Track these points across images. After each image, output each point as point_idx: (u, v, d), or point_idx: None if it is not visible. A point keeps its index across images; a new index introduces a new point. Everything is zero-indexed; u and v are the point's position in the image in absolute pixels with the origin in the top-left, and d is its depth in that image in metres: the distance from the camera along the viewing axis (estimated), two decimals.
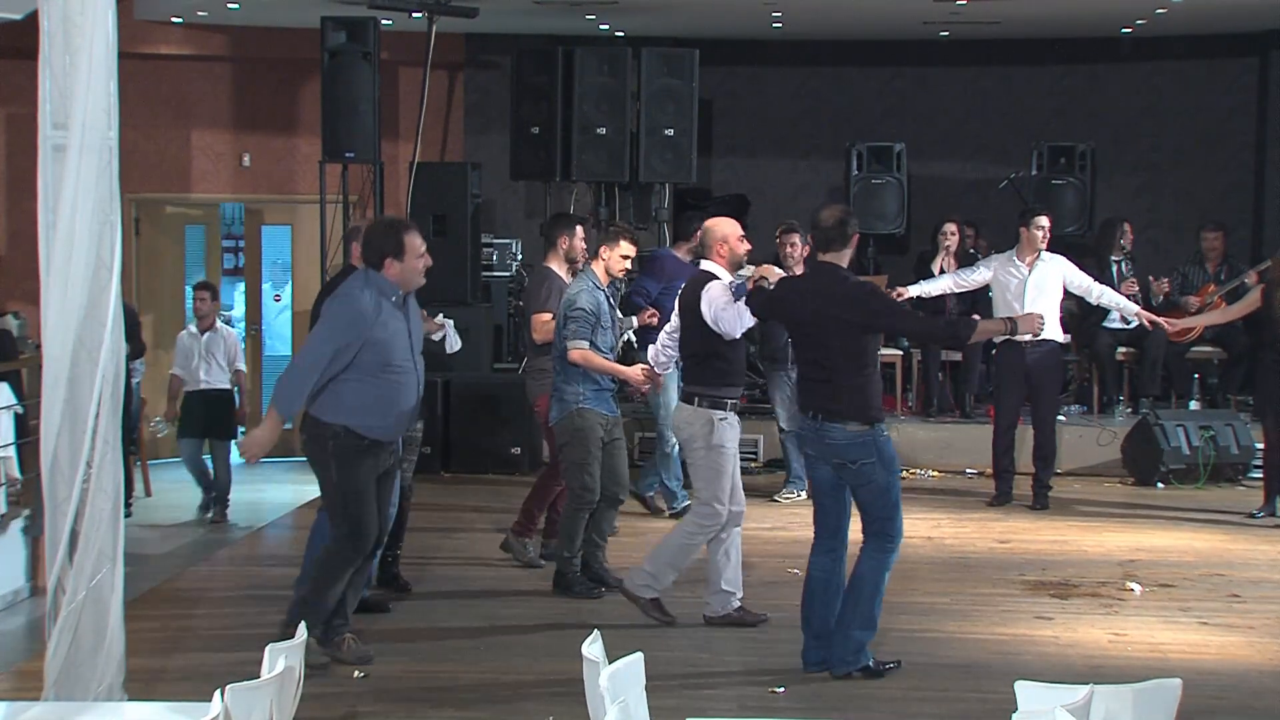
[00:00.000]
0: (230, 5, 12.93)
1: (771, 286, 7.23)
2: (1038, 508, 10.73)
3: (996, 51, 15.02)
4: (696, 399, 7.54)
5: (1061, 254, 10.79)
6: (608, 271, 8.23)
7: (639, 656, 4.51)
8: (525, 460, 12.19)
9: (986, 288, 10.89)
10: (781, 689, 6.74)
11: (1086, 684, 4.24)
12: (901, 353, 13.06)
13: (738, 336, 7.49)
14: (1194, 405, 12.52)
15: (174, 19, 13.89)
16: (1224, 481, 11.86)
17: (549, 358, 8.50)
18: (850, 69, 15.28)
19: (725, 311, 7.36)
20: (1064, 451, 11.91)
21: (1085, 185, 14.01)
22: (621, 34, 14.35)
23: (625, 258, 8.21)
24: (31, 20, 5.41)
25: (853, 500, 6.92)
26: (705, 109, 14.12)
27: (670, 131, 13.20)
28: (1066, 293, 10.72)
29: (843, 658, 6.82)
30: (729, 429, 7.53)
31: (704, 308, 7.42)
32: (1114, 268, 12.63)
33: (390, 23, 13.02)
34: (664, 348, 7.95)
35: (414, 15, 12.58)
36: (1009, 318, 7.44)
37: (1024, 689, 4.39)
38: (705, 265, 7.65)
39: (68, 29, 5.10)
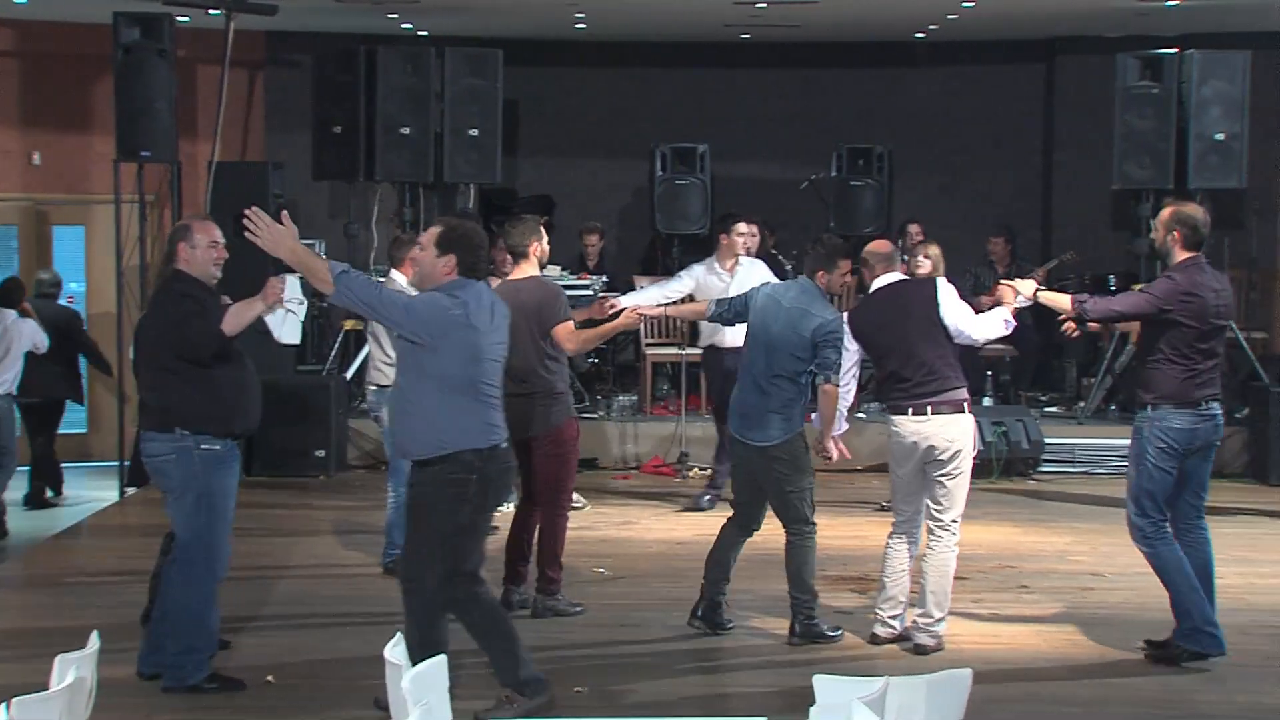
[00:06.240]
0: None
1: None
2: (695, 509, 10.79)
3: (798, 54, 15.28)
4: (966, 405, 7.47)
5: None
6: (829, 289, 7.70)
7: (442, 659, 4.51)
8: (330, 462, 12.08)
9: None
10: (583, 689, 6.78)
11: (882, 676, 4.34)
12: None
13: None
14: (988, 402, 12.88)
15: None
16: (1015, 476, 12.22)
17: (563, 376, 7.95)
18: (654, 70, 15.41)
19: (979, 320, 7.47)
20: (864, 448, 12.11)
21: (883, 186, 14.32)
22: (425, 33, 14.28)
23: (845, 274, 7.73)
24: None
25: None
26: (510, 109, 14.10)
27: (475, 132, 13.15)
28: None
29: None
30: None
31: (952, 314, 7.39)
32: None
33: (187, 19, 12.75)
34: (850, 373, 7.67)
35: (211, 12, 12.34)
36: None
37: (821, 682, 4.46)
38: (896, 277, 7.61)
39: None
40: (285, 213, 6.08)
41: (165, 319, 6.67)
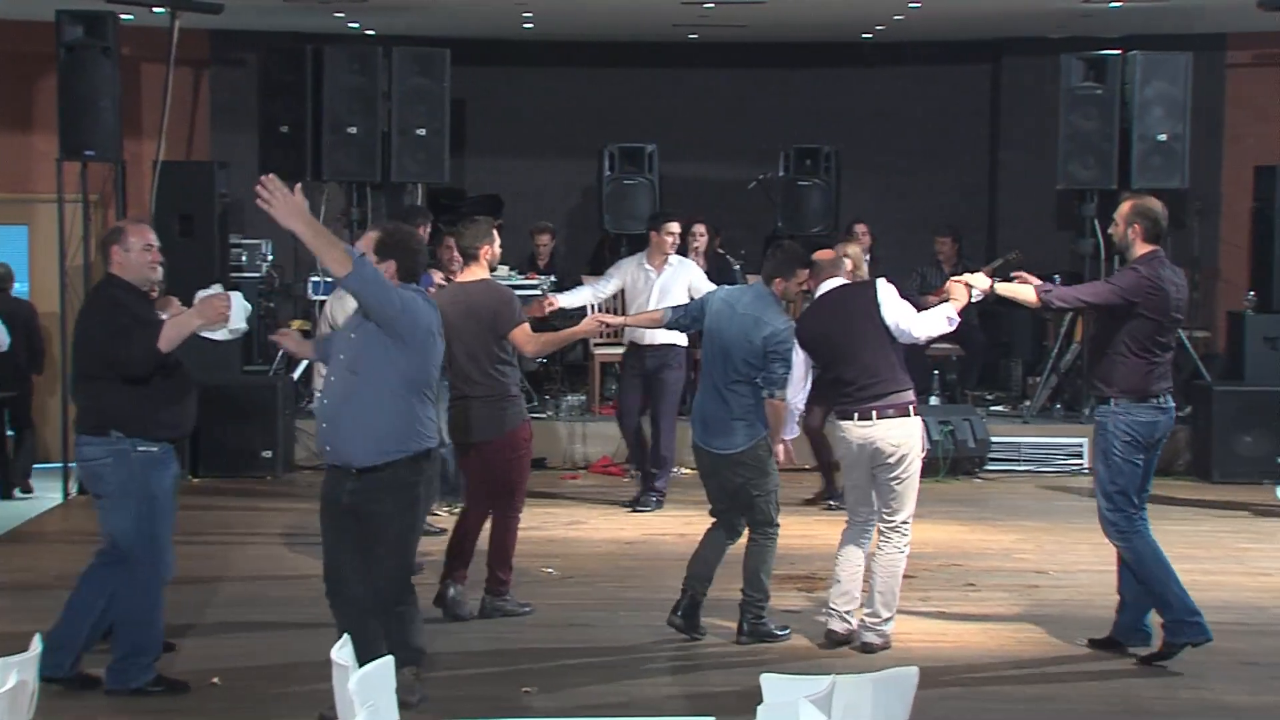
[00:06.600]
0: None
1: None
2: (641, 509, 10.84)
3: (746, 54, 15.31)
4: (911, 408, 7.50)
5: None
6: (784, 296, 7.69)
7: (389, 660, 4.49)
8: (278, 463, 12.04)
9: None
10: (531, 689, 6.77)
11: (829, 675, 4.36)
12: None
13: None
14: (934, 401, 12.94)
15: None
16: (962, 475, 12.29)
17: (515, 379, 7.94)
18: (602, 70, 15.41)
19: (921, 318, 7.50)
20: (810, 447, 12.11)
21: (830, 186, 14.37)
22: (372, 33, 14.22)
23: (802, 283, 7.72)
24: None
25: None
26: (458, 109, 14.06)
27: (422, 131, 13.10)
28: None
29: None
30: None
31: (893, 313, 7.42)
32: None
33: (131, 17, 12.63)
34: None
35: (155, 10, 12.25)
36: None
37: (769, 681, 4.47)
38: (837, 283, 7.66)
39: None
40: (299, 185, 5.95)
41: (99, 330, 6.57)
